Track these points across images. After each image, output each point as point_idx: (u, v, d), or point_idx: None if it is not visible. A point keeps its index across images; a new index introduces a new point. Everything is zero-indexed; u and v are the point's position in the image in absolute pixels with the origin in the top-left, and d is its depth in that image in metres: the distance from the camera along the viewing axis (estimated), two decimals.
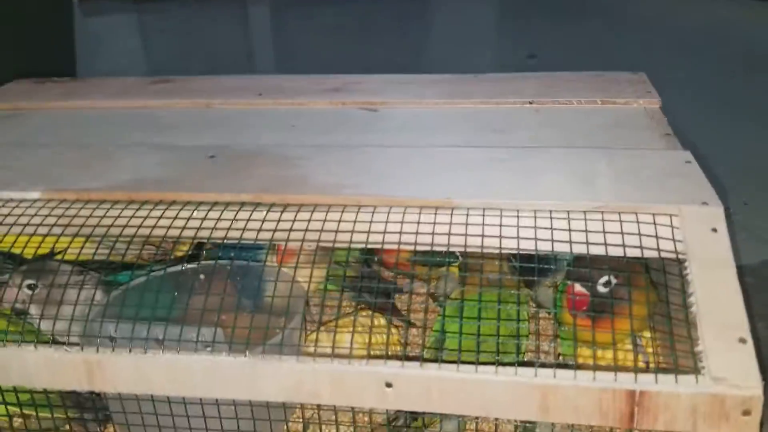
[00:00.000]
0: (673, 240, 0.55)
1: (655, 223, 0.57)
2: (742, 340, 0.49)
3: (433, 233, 0.59)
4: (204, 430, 0.60)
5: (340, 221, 0.62)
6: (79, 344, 0.57)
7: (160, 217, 0.65)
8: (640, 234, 0.56)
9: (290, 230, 0.62)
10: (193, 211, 0.65)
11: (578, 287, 0.62)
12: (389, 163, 0.71)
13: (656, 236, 0.56)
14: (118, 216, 0.65)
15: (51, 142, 0.81)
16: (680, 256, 0.54)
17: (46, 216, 0.66)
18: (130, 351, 0.57)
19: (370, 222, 0.61)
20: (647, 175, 0.63)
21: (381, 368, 0.52)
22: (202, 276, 0.75)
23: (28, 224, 0.65)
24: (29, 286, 0.71)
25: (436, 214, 0.61)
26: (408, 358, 0.52)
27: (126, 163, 0.74)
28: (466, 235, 0.58)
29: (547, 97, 0.86)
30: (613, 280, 0.61)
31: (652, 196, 0.59)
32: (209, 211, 0.65)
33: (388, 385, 0.52)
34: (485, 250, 0.57)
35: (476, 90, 0.91)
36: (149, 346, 0.56)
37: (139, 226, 0.64)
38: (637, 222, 0.57)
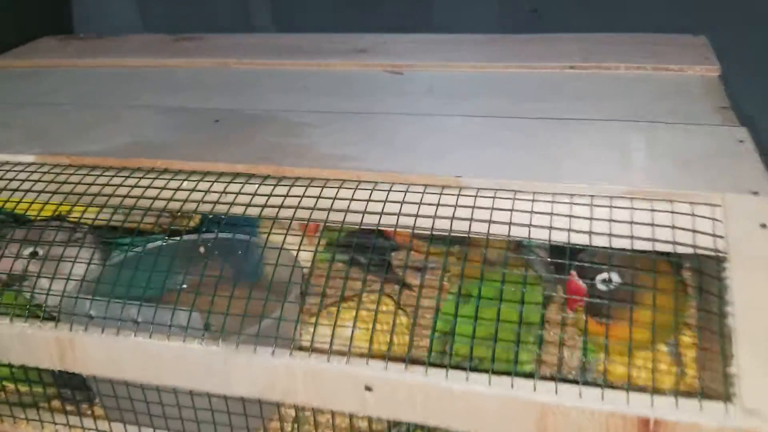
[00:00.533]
0: (713, 235, 0.46)
1: (693, 214, 0.48)
2: None
3: (434, 216, 0.52)
4: (178, 419, 0.55)
5: (335, 198, 0.55)
6: (58, 319, 0.54)
7: (148, 187, 0.60)
8: (673, 226, 0.47)
9: (280, 207, 0.56)
10: (183, 181, 0.60)
11: (578, 281, 0.53)
12: (401, 133, 0.64)
13: (693, 229, 0.47)
14: (107, 184, 0.61)
15: (61, 102, 0.78)
16: (720, 255, 0.46)
17: (36, 182, 0.63)
18: (102, 331, 0.53)
19: (367, 201, 0.54)
20: (691, 156, 0.54)
21: (361, 369, 0.46)
22: (201, 249, 0.70)
23: (17, 190, 0.62)
24: (30, 254, 0.67)
25: (441, 194, 0.54)
26: (392, 359, 0.46)
27: (129, 125, 0.70)
28: (471, 219, 0.51)
29: (590, 62, 0.76)
30: (615, 279, 0.52)
31: (693, 181, 0.50)
32: (199, 182, 0.60)
33: (368, 388, 0.46)
34: (491, 238, 0.50)
35: (513, 52, 0.82)
36: (125, 328, 0.52)
37: (125, 196, 0.60)
38: (672, 212, 0.48)
